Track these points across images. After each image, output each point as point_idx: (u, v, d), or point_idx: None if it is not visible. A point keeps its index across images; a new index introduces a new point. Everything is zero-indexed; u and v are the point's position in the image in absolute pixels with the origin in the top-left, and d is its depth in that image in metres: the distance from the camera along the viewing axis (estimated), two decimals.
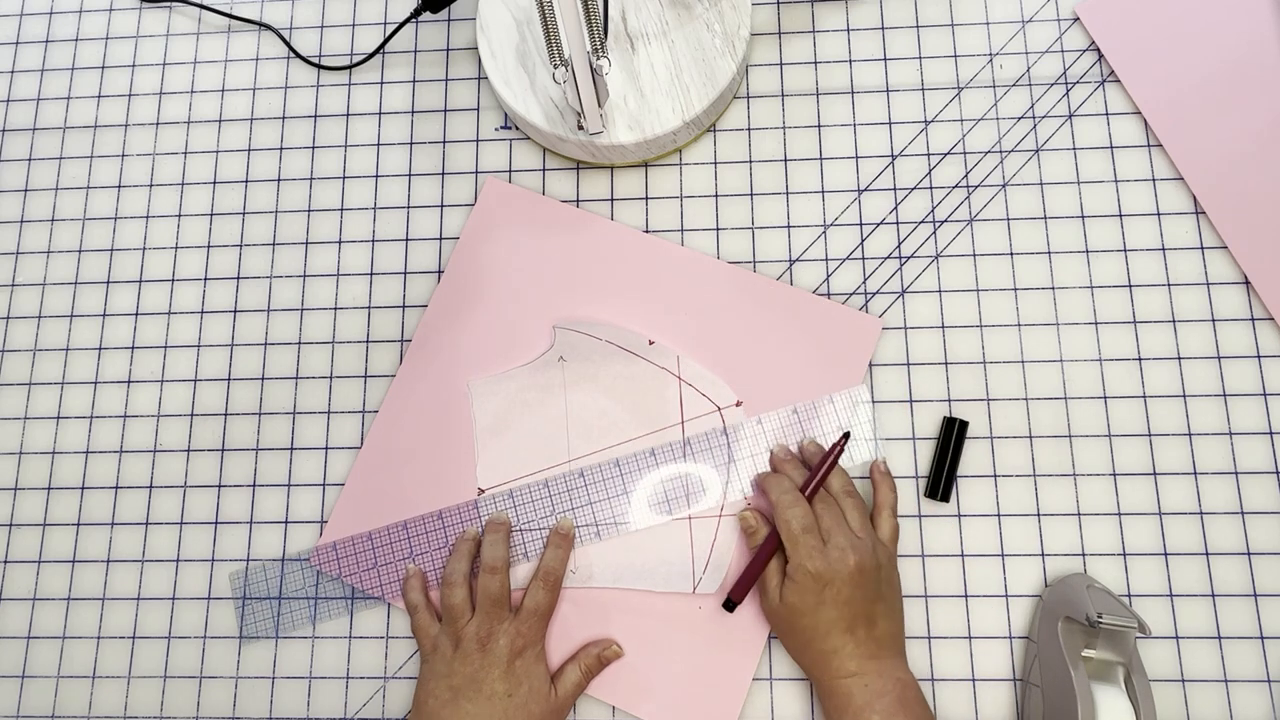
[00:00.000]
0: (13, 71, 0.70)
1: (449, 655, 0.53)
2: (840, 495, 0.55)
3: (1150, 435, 0.58)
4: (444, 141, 0.66)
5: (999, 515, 0.57)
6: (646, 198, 0.64)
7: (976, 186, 0.62)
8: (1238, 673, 0.54)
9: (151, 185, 0.67)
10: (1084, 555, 0.56)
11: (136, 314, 0.65)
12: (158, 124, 0.68)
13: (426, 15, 0.68)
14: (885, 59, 0.65)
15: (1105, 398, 0.58)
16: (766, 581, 0.54)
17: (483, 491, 0.59)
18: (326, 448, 0.61)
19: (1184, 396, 0.58)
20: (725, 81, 0.61)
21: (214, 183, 0.67)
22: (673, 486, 0.58)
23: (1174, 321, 0.59)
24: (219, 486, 0.61)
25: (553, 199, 0.64)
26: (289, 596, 0.58)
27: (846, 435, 0.56)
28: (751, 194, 0.63)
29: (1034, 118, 0.63)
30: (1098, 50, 0.64)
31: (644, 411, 0.60)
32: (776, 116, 0.64)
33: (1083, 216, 0.61)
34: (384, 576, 0.58)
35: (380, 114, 0.67)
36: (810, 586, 0.51)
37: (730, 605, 0.55)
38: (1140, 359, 0.59)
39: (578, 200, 0.64)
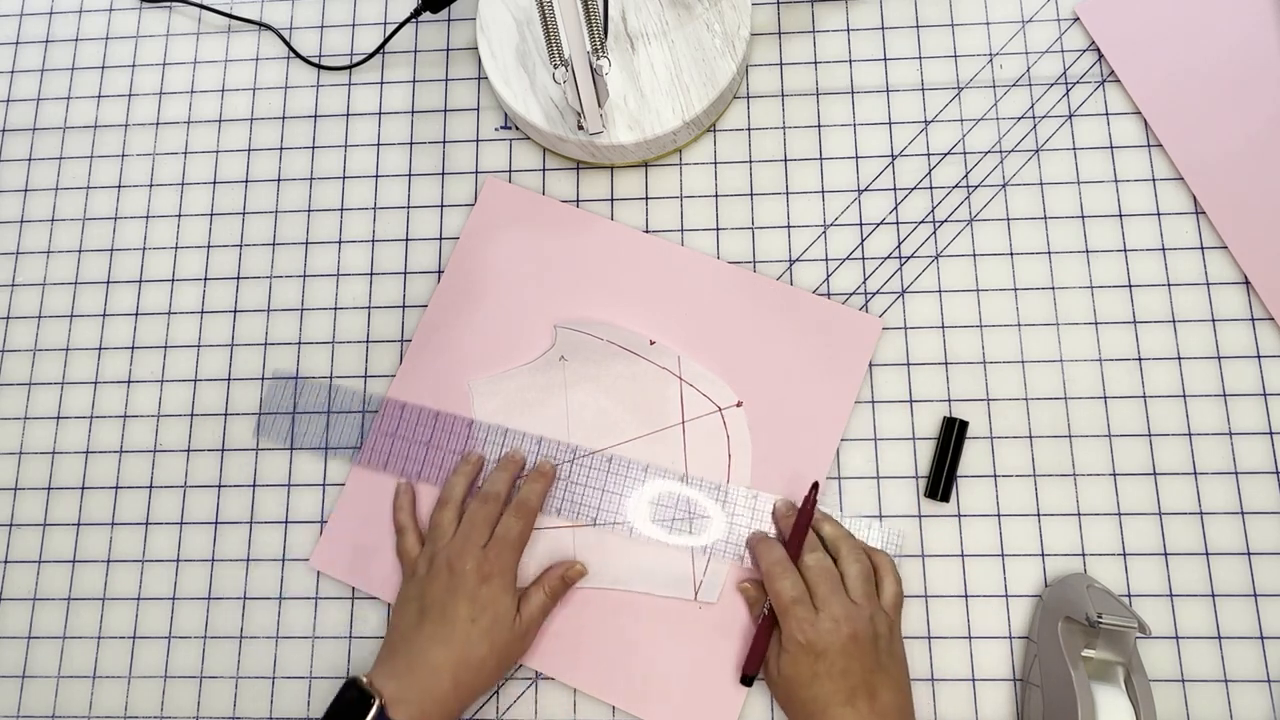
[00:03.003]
0: (13, 71, 0.70)
1: (422, 577, 0.53)
2: (846, 558, 0.53)
3: (1150, 435, 0.58)
4: (444, 141, 0.66)
5: (999, 515, 0.57)
6: (646, 198, 0.64)
7: (976, 186, 0.62)
8: (1238, 673, 0.54)
9: (151, 185, 0.67)
10: (1084, 555, 0.56)
11: (136, 314, 0.65)
12: (158, 124, 0.68)
13: (426, 15, 0.68)
14: (885, 59, 0.65)
15: (1105, 398, 0.58)
16: (767, 651, 0.53)
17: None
18: (326, 448, 0.61)
19: (1184, 396, 0.58)
20: (725, 81, 0.61)
21: (214, 183, 0.67)
22: (674, 508, 0.58)
23: (1174, 321, 0.59)
24: (219, 486, 0.61)
25: (553, 199, 0.64)
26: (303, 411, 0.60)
27: (816, 486, 0.55)
28: (751, 194, 0.63)
29: (1034, 118, 0.63)
30: (1098, 50, 0.64)
31: (645, 411, 0.60)
32: (776, 116, 0.64)
33: (1083, 216, 0.61)
34: (431, 460, 0.59)
35: (380, 114, 0.67)
36: (803, 659, 0.50)
37: (747, 680, 0.54)
38: (1140, 359, 0.59)
39: (578, 200, 0.64)
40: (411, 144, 0.66)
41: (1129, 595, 0.56)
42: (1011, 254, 0.61)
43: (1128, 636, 0.51)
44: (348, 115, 0.67)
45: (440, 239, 0.64)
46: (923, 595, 0.56)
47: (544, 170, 0.65)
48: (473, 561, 0.52)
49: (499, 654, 0.52)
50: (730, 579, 0.57)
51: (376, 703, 0.48)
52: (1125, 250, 0.60)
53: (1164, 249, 0.60)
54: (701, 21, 0.62)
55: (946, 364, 0.60)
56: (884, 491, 0.58)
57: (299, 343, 0.63)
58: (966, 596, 0.56)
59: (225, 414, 0.62)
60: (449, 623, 0.51)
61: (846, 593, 0.52)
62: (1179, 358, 0.59)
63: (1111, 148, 0.62)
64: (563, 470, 0.58)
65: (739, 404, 0.59)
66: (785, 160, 0.64)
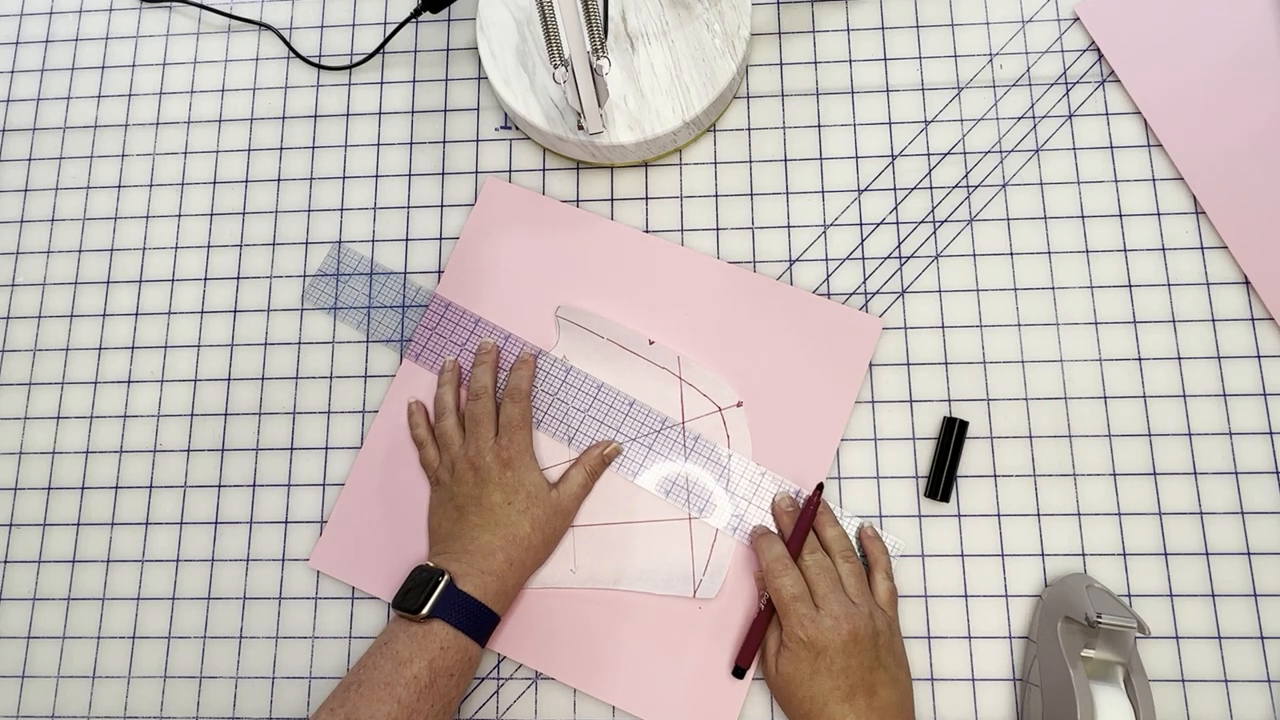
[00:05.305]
0: (13, 71, 0.70)
1: (449, 481, 0.56)
2: (837, 557, 0.54)
3: (1150, 435, 0.58)
4: (444, 141, 0.66)
5: (999, 515, 0.57)
6: (646, 198, 0.64)
7: (976, 186, 0.62)
8: (1238, 673, 0.54)
9: (151, 185, 0.67)
10: (1084, 555, 0.56)
11: (136, 314, 0.65)
12: (158, 124, 0.68)
13: (426, 15, 0.68)
14: (885, 59, 0.65)
15: (1105, 398, 0.58)
16: (765, 649, 0.54)
17: None
18: (326, 448, 0.61)
19: (1184, 396, 0.58)
20: (725, 81, 0.61)
21: (214, 183, 0.67)
22: (677, 482, 0.58)
23: (1174, 321, 0.59)
24: (219, 486, 0.61)
25: (553, 199, 0.64)
26: (344, 306, 0.62)
27: (821, 487, 0.56)
28: (751, 194, 0.63)
29: (1034, 118, 0.63)
30: (1098, 50, 0.64)
31: (644, 411, 0.59)
32: (776, 116, 0.64)
33: (1083, 216, 0.61)
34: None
35: (380, 114, 0.67)
36: (804, 655, 0.51)
37: (739, 672, 0.54)
38: (1140, 359, 0.59)
39: (578, 200, 0.64)
40: (411, 144, 0.66)
41: (1129, 595, 0.56)
42: (1011, 254, 0.61)
43: (1127, 636, 0.51)
44: (348, 115, 0.67)
45: (440, 239, 0.64)
46: (923, 595, 0.56)
47: (544, 170, 0.65)
48: (490, 454, 0.55)
49: (541, 529, 0.55)
50: (730, 576, 0.57)
51: (446, 576, 0.51)
52: (1125, 250, 0.60)
53: (1164, 249, 0.60)
54: (701, 21, 0.62)
55: (946, 364, 0.60)
56: (884, 491, 0.58)
57: (299, 343, 0.63)
58: (966, 596, 0.56)
59: (225, 414, 0.62)
60: (487, 511, 0.54)
61: (844, 590, 0.52)
62: (1179, 358, 0.59)
63: (1111, 148, 0.62)
64: (552, 386, 0.60)
65: (739, 404, 0.59)
66: (785, 160, 0.64)
